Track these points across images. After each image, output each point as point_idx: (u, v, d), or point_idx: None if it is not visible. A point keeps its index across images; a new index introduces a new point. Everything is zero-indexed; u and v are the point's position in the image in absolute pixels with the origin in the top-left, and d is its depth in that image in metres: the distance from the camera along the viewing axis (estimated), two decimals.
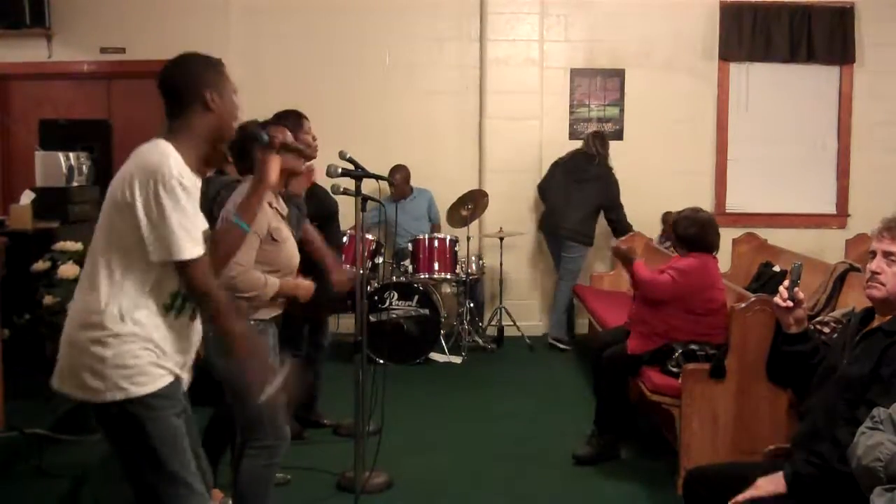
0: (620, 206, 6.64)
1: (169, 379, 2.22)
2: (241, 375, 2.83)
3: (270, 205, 2.96)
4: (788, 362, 2.64)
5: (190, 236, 2.13)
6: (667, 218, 6.43)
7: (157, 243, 2.12)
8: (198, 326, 2.36)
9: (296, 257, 3.08)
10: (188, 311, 2.27)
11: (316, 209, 4.08)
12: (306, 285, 3.11)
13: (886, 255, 2.43)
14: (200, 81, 2.29)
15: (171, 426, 2.21)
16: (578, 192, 6.51)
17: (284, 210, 3.12)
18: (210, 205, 3.54)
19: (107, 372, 2.14)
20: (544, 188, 6.77)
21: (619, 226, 6.63)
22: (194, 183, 2.22)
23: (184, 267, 2.14)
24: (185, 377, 2.32)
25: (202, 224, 2.23)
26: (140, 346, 2.16)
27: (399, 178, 6.61)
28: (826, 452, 2.32)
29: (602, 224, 6.75)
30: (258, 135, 2.73)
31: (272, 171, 2.72)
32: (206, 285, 2.19)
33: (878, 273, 2.44)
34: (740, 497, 2.42)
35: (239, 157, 3.08)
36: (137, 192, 2.11)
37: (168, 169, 2.12)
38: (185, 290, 2.21)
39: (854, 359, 2.44)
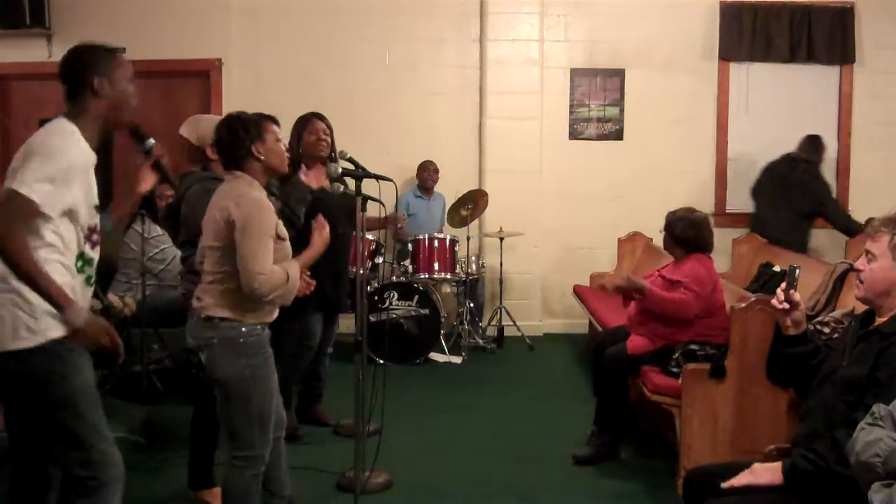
0: (833, 208, 6.42)
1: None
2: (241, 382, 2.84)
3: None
4: (788, 364, 2.65)
5: (35, 179, 2.24)
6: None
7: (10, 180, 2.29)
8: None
9: (289, 256, 3.00)
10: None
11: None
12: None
13: (867, 253, 2.49)
14: (89, 69, 2.46)
15: None
16: (782, 198, 6.34)
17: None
18: (180, 199, 3.54)
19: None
20: (754, 193, 6.65)
21: (841, 226, 6.39)
22: (86, 157, 2.43)
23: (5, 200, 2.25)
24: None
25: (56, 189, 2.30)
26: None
27: (432, 169, 6.74)
28: (824, 451, 2.32)
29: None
30: (142, 139, 2.76)
31: (144, 183, 2.82)
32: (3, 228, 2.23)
33: (860, 271, 2.50)
34: (735, 481, 2.42)
35: (221, 150, 2.97)
36: (21, 155, 2.33)
37: (49, 136, 2.37)
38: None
39: (852, 361, 2.44)
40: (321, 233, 3.11)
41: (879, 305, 2.47)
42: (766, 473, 2.42)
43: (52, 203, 2.27)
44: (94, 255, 2.50)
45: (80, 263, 2.42)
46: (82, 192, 2.37)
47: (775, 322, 2.68)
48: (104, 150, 6.02)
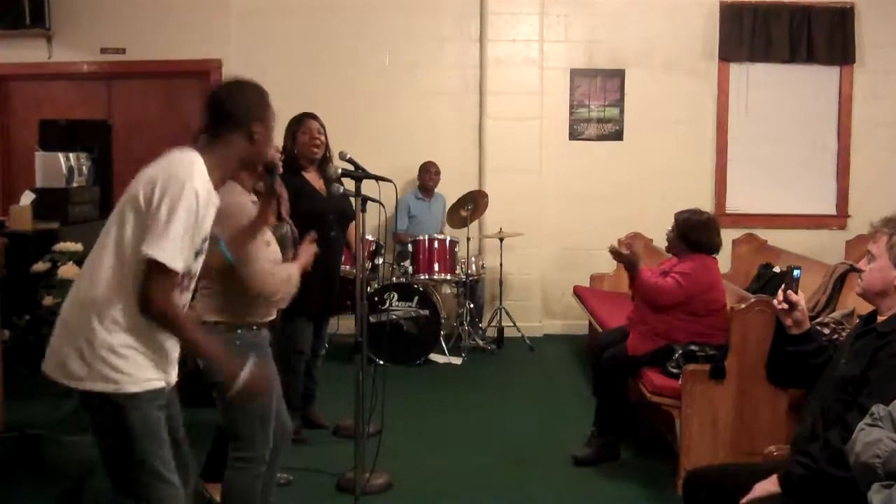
0: None
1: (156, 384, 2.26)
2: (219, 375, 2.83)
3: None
4: (790, 362, 2.66)
5: (176, 247, 2.13)
6: None
7: (149, 238, 2.12)
8: None
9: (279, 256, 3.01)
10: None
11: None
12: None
13: (868, 253, 2.52)
14: (252, 113, 2.36)
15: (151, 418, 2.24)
16: None
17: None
18: None
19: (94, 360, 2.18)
20: None
21: None
22: (214, 202, 2.29)
23: (152, 269, 2.13)
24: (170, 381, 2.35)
25: (195, 245, 2.22)
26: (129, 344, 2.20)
27: (433, 171, 6.74)
28: (816, 453, 2.33)
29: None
30: (273, 174, 2.57)
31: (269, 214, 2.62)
32: (161, 300, 2.15)
33: (862, 271, 2.55)
34: (742, 502, 2.44)
35: None
36: (157, 194, 2.14)
37: (192, 181, 2.16)
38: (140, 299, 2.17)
39: (849, 359, 2.46)
40: (308, 253, 3.09)
41: (878, 305, 2.50)
42: (765, 485, 2.43)
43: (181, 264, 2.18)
44: (184, 300, 2.35)
45: None
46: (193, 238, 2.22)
47: (775, 322, 2.69)
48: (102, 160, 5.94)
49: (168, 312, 2.18)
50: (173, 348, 2.33)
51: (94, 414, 2.24)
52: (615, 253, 4.31)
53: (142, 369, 2.21)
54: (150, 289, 2.14)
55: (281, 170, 3.08)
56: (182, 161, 2.21)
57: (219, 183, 2.33)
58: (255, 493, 2.93)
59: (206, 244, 2.31)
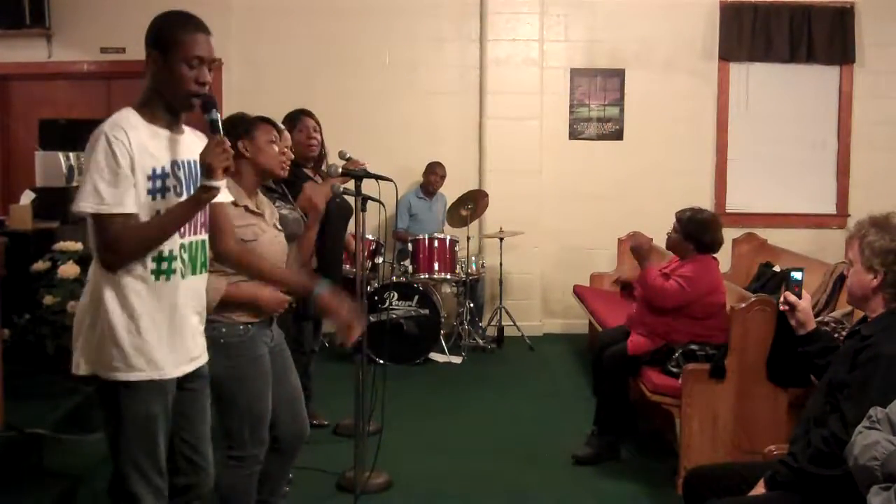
0: None
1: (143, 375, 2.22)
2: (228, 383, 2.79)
3: (236, 204, 2.73)
4: (795, 361, 2.67)
5: (96, 189, 2.08)
6: None
7: (76, 197, 2.10)
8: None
9: (274, 255, 2.87)
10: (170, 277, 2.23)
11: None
12: (269, 298, 2.82)
13: (847, 259, 2.52)
14: (152, 39, 2.23)
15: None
16: None
17: (262, 208, 2.93)
18: None
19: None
20: None
21: None
22: (148, 136, 2.21)
23: (93, 224, 2.12)
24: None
25: (140, 183, 2.14)
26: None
27: (439, 174, 6.74)
28: (798, 453, 2.35)
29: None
30: (210, 117, 2.28)
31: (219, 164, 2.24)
32: (105, 252, 2.12)
33: (847, 277, 2.54)
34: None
35: None
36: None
37: (101, 131, 2.14)
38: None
39: (837, 361, 2.46)
40: (316, 203, 3.02)
41: (864, 309, 2.50)
42: (758, 489, 2.45)
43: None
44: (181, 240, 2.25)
45: (154, 265, 2.19)
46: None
47: (776, 322, 2.69)
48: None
49: (118, 257, 2.13)
50: (180, 335, 2.27)
51: (98, 399, 2.25)
52: (634, 245, 4.29)
53: (134, 359, 2.17)
54: (96, 245, 2.13)
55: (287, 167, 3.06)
56: (98, 126, 2.19)
57: (150, 115, 2.24)
58: (247, 492, 2.89)
59: (170, 182, 2.20)
